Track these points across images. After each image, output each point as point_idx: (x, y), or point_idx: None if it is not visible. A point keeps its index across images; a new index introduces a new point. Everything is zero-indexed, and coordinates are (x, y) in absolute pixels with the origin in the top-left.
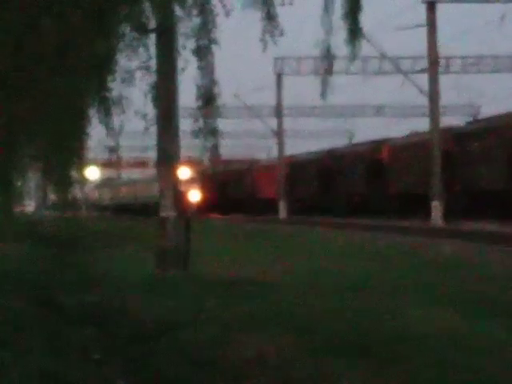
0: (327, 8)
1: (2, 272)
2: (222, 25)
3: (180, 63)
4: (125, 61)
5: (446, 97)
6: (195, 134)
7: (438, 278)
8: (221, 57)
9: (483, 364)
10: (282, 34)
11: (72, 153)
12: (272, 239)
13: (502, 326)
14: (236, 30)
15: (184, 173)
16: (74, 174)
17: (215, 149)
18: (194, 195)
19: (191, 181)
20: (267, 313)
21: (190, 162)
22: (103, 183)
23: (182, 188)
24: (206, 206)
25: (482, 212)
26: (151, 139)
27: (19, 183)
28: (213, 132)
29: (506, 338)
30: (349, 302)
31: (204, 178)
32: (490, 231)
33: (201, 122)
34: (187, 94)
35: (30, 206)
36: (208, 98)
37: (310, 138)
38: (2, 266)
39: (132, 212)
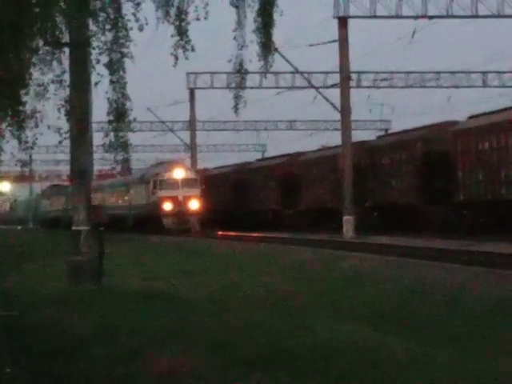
0: (240, 22)
1: None
2: (136, 39)
3: (93, 77)
4: (38, 74)
5: (359, 111)
6: (106, 147)
7: (346, 292)
8: (134, 71)
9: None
10: (193, 50)
11: None
12: (186, 253)
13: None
14: (150, 44)
15: (178, 173)
16: None
17: (126, 162)
18: (193, 203)
19: (189, 184)
20: (176, 328)
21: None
22: (51, 191)
23: (179, 193)
24: (209, 218)
25: (396, 225)
26: (65, 153)
27: None
28: (123, 146)
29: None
30: (263, 316)
31: (219, 180)
32: (402, 245)
33: (112, 136)
34: (99, 109)
35: None
36: (120, 113)
37: (223, 152)
38: None
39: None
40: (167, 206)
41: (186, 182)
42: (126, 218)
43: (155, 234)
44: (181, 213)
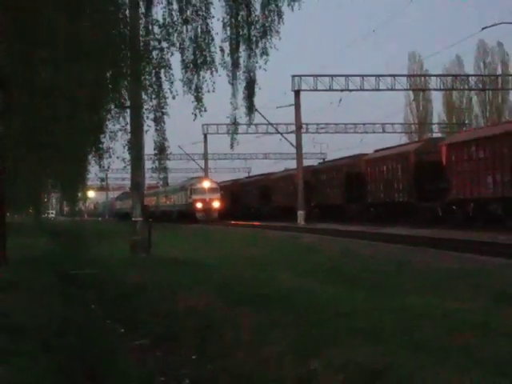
0: (234, 93)
1: (35, 254)
2: (171, 103)
3: (145, 127)
4: (111, 125)
5: (308, 147)
6: (153, 170)
7: (300, 257)
8: (170, 122)
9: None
10: (205, 110)
11: (78, 182)
12: (206, 235)
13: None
14: (179, 106)
15: (206, 184)
16: (78, 194)
17: (165, 179)
18: (216, 203)
19: (213, 191)
20: (198, 278)
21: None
22: (123, 196)
23: (206, 197)
24: (226, 212)
25: (329, 217)
26: (127, 173)
27: (46, 200)
28: (164, 169)
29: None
30: (248, 273)
31: (224, 189)
32: (333, 229)
33: (156, 163)
34: (149, 146)
35: (52, 214)
36: (161, 149)
37: (224, 173)
38: (35, 251)
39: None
40: (199, 205)
41: (211, 190)
42: (171, 213)
43: (190, 223)
44: (207, 209)
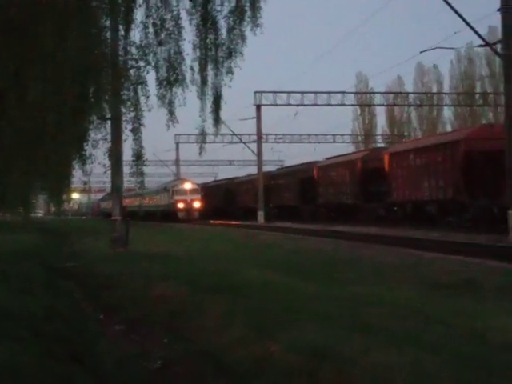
0: (202, 107)
1: (23, 249)
2: (147, 115)
3: (124, 137)
4: (93, 134)
5: (267, 155)
6: (131, 174)
7: (260, 252)
8: (146, 132)
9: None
10: (177, 122)
11: (64, 185)
12: (183, 232)
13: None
14: (154, 118)
15: (187, 185)
16: (64, 196)
17: (142, 183)
18: (196, 203)
19: (194, 192)
20: (169, 270)
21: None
22: (106, 197)
23: (187, 197)
24: (206, 212)
25: (286, 216)
26: (107, 177)
27: (34, 201)
28: (141, 174)
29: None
30: (214, 265)
31: (205, 190)
32: (290, 227)
33: (134, 168)
34: (127, 153)
35: (40, 213)
36: (138, 156)
37: (194, 177)
38: (23, 246)
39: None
40: (180, 205)
41: (192, 191)
42: (155, 212)
43: (172, 222)
44: (188, 209)
